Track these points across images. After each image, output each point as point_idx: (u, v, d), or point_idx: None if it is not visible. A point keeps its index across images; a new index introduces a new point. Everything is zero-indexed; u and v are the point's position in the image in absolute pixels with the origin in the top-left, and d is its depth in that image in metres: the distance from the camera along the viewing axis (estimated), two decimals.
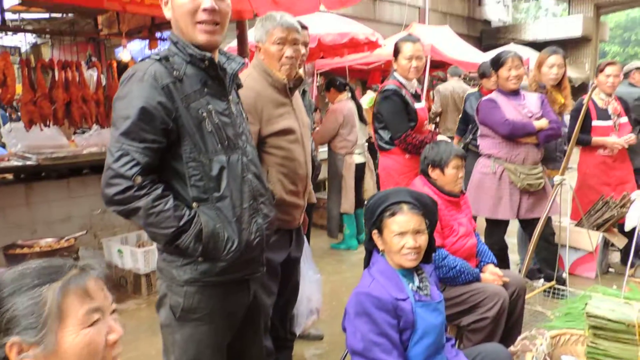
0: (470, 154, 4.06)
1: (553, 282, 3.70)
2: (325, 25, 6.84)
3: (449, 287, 2.62)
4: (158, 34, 5.43)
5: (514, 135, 3.52)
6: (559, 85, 3.94)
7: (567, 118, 4.24)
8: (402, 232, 1.97)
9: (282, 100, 2.37)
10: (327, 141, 5.17)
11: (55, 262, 1.09)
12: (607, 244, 4.39)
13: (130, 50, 6.23)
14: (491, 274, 2.70)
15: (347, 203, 5.13)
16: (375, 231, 2.06)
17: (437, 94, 7.25)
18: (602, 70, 4.18)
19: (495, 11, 18.48)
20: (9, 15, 5.87)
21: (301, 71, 2.53)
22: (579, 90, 8.66)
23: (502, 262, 3.67)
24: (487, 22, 18.35)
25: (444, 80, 9.21)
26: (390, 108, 3.40)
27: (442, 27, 10.09)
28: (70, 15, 6.33)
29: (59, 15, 6.55)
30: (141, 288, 4.06)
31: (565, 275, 3.77)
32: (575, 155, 3.98)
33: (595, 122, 4.18)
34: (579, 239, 4.09)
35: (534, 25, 18.76)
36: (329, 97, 5.38)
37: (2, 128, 6.84)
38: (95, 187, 4.49)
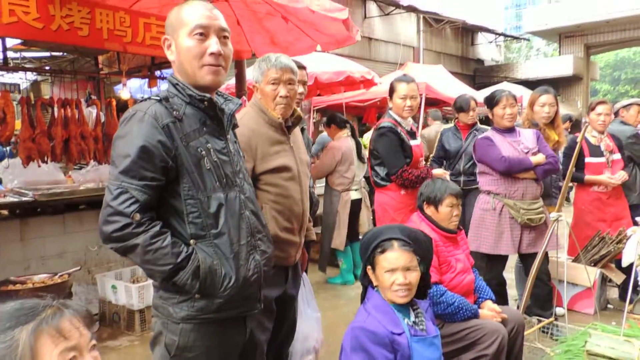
0: None
1: (552, 319, 3.67)
2: (322, 63, 7.00)
3: (447, 323, 2.59)
4: (158, 73, 5.53)
5: (511, 171, 3.55)
6: (552, 123, 4.01)
7: (561, 155, 4.30)
8: (393, 268, 1.99)
9: (279, 138, 2.41)
10: (324, 177, 5.21)
11: (28, 303, 1.08)
12: (604, 280, 4.37)
13: (130, 87, 6.32)
14: (489, 310, 2.69)
15: (339, 239, 5.14)
16: (369, 267, 2.07)
17: (422, 138, 7.33)
18: (593, 109, 4.27)
19: (487, 51, 18.97)
20: (10, 53, 5.97)
21: (299, 109, 2.58)
22: (572, 127, 8.79)
23: (501, 297, 3.65)
24: (480, 61, 18.79)
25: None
26: (386, 145, 3.45)
27: (436, 66, 10.34)
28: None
29: (59, 53, 6.68)
30: (134, 324, 4.00)
31: (564, 311, 3.75)
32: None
33: (588, 159, 4.24)
34: (577, 275, 4.08)
35: (525, 64, 19.25)
36: (329, 133, 5.44)
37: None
38: (91, 222, 4.48)
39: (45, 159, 4.59)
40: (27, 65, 6.74)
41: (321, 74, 6.77)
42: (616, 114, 4.99)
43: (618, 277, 4.25)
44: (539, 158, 3.58)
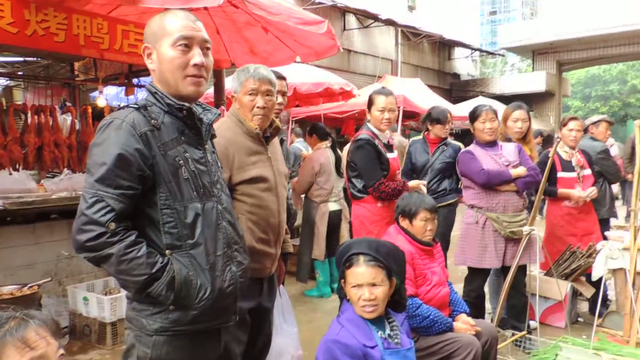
0: None
1: (524, 332, 3.72)
2: (301, 74, 7.03)
3: (422, 336, 2.61)
4: (135, 81, 5.47)
5: (490, 183, 3.61)
6: (524, 138, 4.10)
7: None
8: (358, 284, 2.00)
9: (256, 149, 2.41)
10: (307, 189, 5.21)
11: None
12: (575, 294, 4.45)
13: (106, 95, 6.24)
14: (464, 323, 2.71)
15: (318, 249, 5.13)
16: (342, 280, 2.08)
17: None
18: (565, 125, 4.38)
19: (464, 65, 19.33)
20: None
21: (278, 120, 2.59)
22: (544, 142, 8.99)
23: (478, 310, 3.68)
24: (457, 75, 19.12)
25: (416, 130, 9.42)
26: (364, 157, 3.47)
27: (414, 79, 10.48)
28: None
29: (33, 58, 6.55)
30: (106, 338, 3.90)
31: (536, 324, 3.80)
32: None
33: (560, 174, 4.33)
34: (549, 288, 4.14)
35: (500, 79, 19.65)
36: (309, 143, 5.45)
37: None
38: (62, 232, 4.38)
39: (17, 166, 4.48)
40: None
41: (300, 84, 6.80)
42: (585, 130, 5.12)
43: (588, 291, 4.34)
44: (520, 171, 3.64)
